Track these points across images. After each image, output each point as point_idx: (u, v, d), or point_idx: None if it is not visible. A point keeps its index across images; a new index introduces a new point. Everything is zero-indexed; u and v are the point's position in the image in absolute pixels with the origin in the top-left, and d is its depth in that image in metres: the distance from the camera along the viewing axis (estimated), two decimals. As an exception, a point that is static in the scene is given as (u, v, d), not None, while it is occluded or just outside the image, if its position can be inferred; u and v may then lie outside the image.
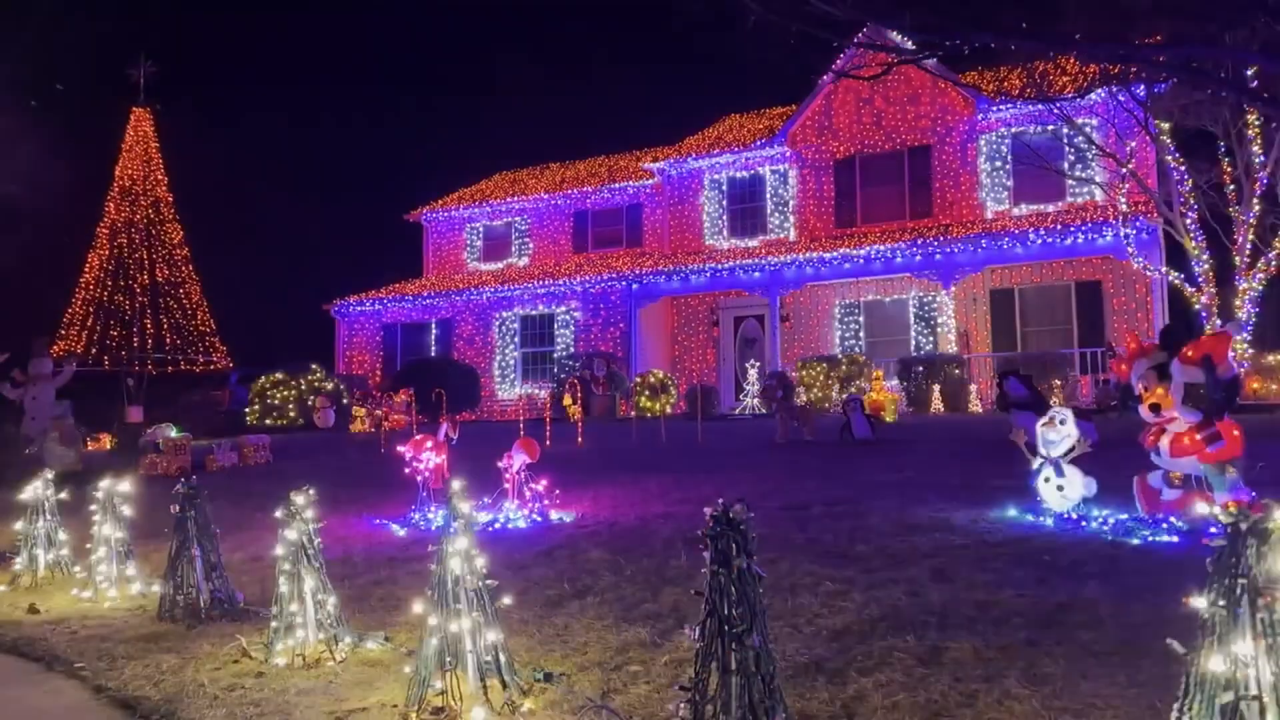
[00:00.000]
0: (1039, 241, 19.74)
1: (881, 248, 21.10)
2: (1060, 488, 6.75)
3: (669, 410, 21.41)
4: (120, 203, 34.21)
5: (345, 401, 22.65)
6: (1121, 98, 18.81)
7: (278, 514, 4.86)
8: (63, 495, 7.74)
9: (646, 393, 21.91)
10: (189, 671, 4.57)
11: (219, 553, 5.90)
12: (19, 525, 7.59)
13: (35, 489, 7.57)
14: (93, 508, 6.85)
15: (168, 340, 33.50)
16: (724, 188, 25.61)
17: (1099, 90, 16.91)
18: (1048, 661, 3.85)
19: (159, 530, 6.58)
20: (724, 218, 25.57)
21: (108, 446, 16.05)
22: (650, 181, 26.82)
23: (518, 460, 8.23)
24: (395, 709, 3.87)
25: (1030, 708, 3.41)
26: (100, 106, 34.25)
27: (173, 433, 15.04)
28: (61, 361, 17.83)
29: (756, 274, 22.48)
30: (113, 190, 34.33)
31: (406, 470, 8.79)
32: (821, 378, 20.26)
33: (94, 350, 32.47)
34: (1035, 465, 6.93)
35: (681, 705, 3.09)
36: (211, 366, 33.98)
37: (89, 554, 6.81)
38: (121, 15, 59.27)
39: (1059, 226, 19.85)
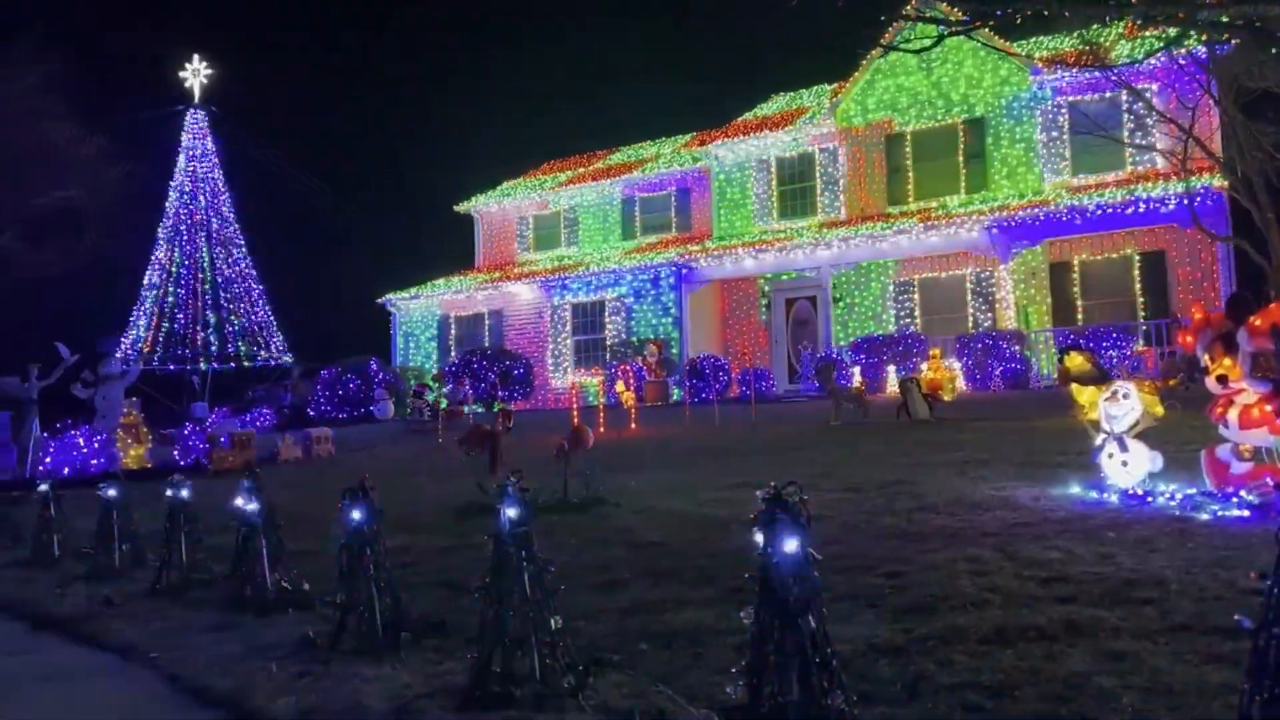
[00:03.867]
0: (1099, 212, 19.27)
1: (936, 223, 20.76)
2: (1124, 463, 6.60)
3: (722, 394, 21.35)
4: (180, 203, 35.02)
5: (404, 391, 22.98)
6: (1182, 61, 18.23)
7: (341, 504, 4.94)
8: (135, 490, 7.97)
9: (698, 377, 21.88)
10: (257, 660, 4.68)
11: (285, 543, 6.02)
12: (95, 520, 7.84)
13: (111, 486, 7.81)
14: (163, 501, 7.04)
15: (231, 337, 34.29)
16: (772, 168, 25.38)
17: (1159, 55, 16.41)
18: (1114, 638, 3.77)
19: (225, 524, 6.74)
20: (773, 198, 25.35)
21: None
22: (698, 165, 26.69)
23: (571, 447, 8.28)
24: (458, 694, 3.92)
25: (1097, 685, 3.34)
26: (158, 108, 34.93)
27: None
28: (129, 361, 18.32)
29: (807, 254, 22.27)
30: (173, 191, 35.14)
31: (464, 458, 8.90)
32: (877, 358, 20.03)
33: (159, 349, 33.35)
34: (1098, 441, 6.78)
35: (740, 687, 3.09)
36: (273, 362, 34.69)
37: (161, 546, 7.00)
38: (174, 17, 60.45)
39: (1120, 196, 19.34)
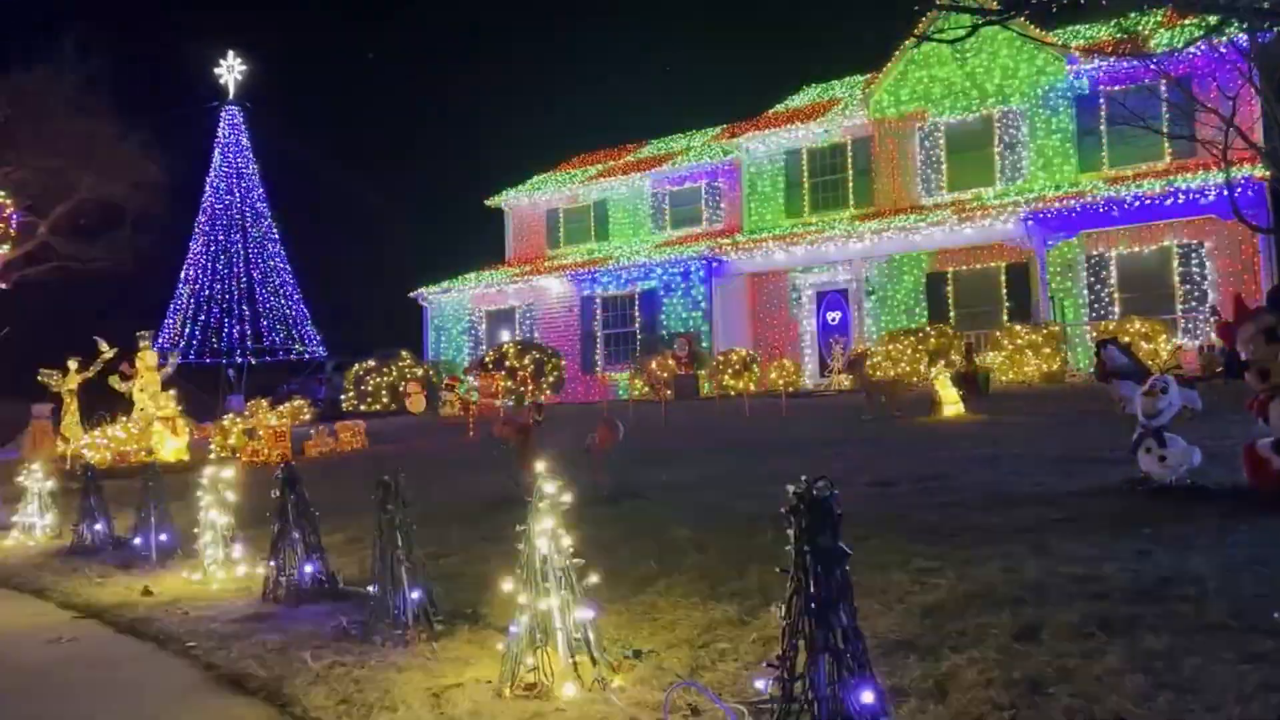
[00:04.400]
0: (1137, 203, 18.97)
1: (970, 215, 20.55)
2: (1162, 458, 6.50)
3: (752, 388, 21.29)
4: (216, 199, 35.46)
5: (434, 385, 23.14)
6: (1223, 50, 17.88)
7: (374, 497, 4.99)
8: (170, 482, 8.10)
9: (729, 371, 21.83)
10: (292, 650, 4.74)
11: (318, 535, 6.10)
12: (132, 512, 7.97)
13: (146, 477, 7.94)
14: (199, 494, 7.15)
15: (265, 331, 34.72)
16: (804, 160, 25.23)
17: (1199, 43, 16.10)
18: (1150, 637, 3.72)
19: (261, 515, 6.84)
20: (804, 191, 25.21)
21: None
22: (729, 157, 26.59)
23: (601, 441, 8.30)
24: (489, 685, 3.95)
25: (1132, 684, 3.30)
26: (193, 105, 35.42)
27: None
28: (166, 355, 18.62)
29: (839, 247, 22.12)
30: (209, 186, 35.59)
31: (495, 451, 8.94)
32: (909, 351, 19.88)
33: (196, 342, 33.83)
34: (1136, 435, 6.69)
35: (770, 682, 3.09)
36: (307, 355, 35.07)
37: (197, 538, 7.12)
38: (209, 13, 61.17)
39: (1158, 187, 19.03)
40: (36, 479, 10.08)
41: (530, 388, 22.81)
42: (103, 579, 7.26)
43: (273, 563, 6.02)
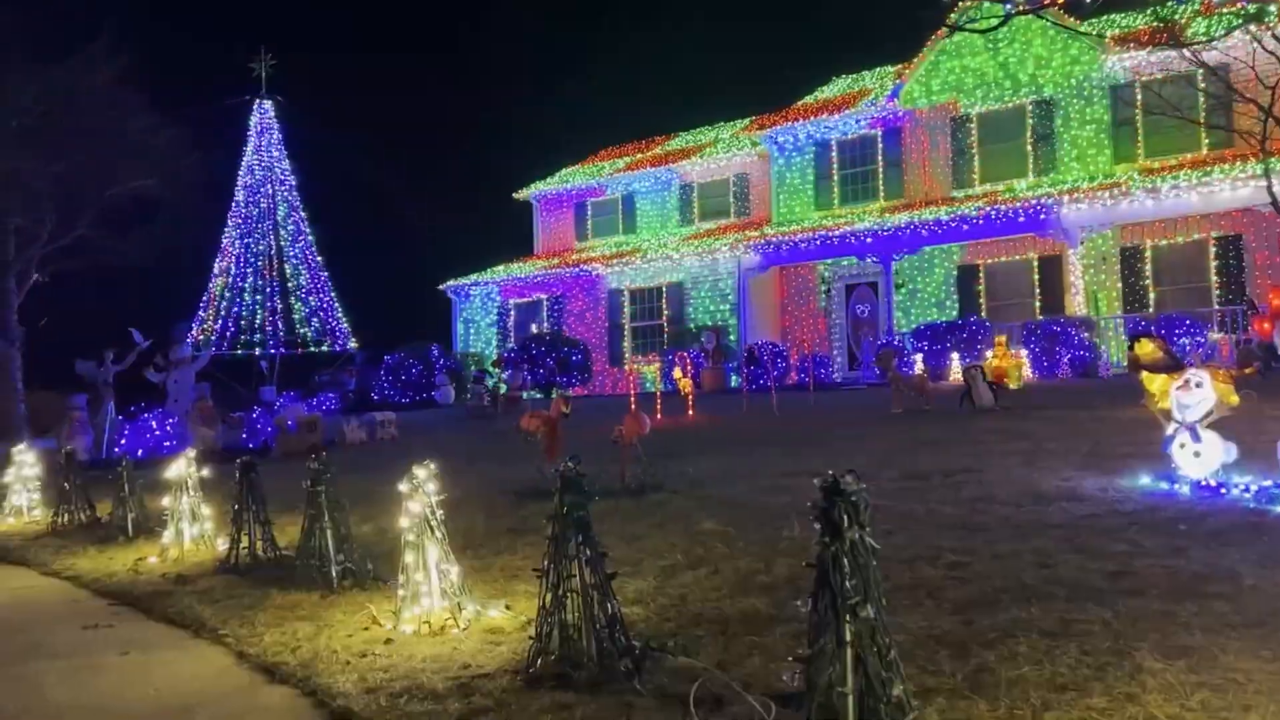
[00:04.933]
0: (1173, 194, 18.69)
1: (1002, 207, 20.34)
2: (1197, 453, 6.41)
3: (780, 381, 21.22)
4: (248, 192, 35.82)
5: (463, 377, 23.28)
6: (1262, 38, 17.54)
7: (402, 488, 5.03)
8: (204, 472, 8.19)
9: (756, 364, 21.76)
10: (323, 639, 4.79)
11: (349, 525, 6.15)
12: (165, 501, 8.07)
13: (179, 467, 8.03)
14: (232, 484, 7.23)
15: (297, 323, 35.05)
16: (833, 152, 25.06)
17: (1236, 32, 15.82)
18: (1184, 634, 3.67)
19: (294, 505, 6.91)
20: (834, 183, 25.04)
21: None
22: (757, 150, 26.47)
23: (628, 433, 8.29)
24: (516, 674, 3.97)
25: (1165, 682, 3.26)
26: (225, 98, 35.77)
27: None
28: (199, 346, 18.85)
29: (869, 239, 21.97)
30: (241, 179, 35.95)
31: (523, 443, 8.97)
32: (940, 345, 19.72)
33: (229, 335, 34.22)
34: (1170, 430, 6.60)
35: (797, 676, 3.07)
36: (337, 348, 35.37)
37: (229, 526, 7.19)
38: (242, 7, 61.72)
39: (1195, 178, 18.73)
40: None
41: (557, 380, 22.88)
42: (137, 567, 7.37)
43: (304, 553, 6.08)
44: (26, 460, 11.11)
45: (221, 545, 7.28)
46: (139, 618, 5.86)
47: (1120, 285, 20.93)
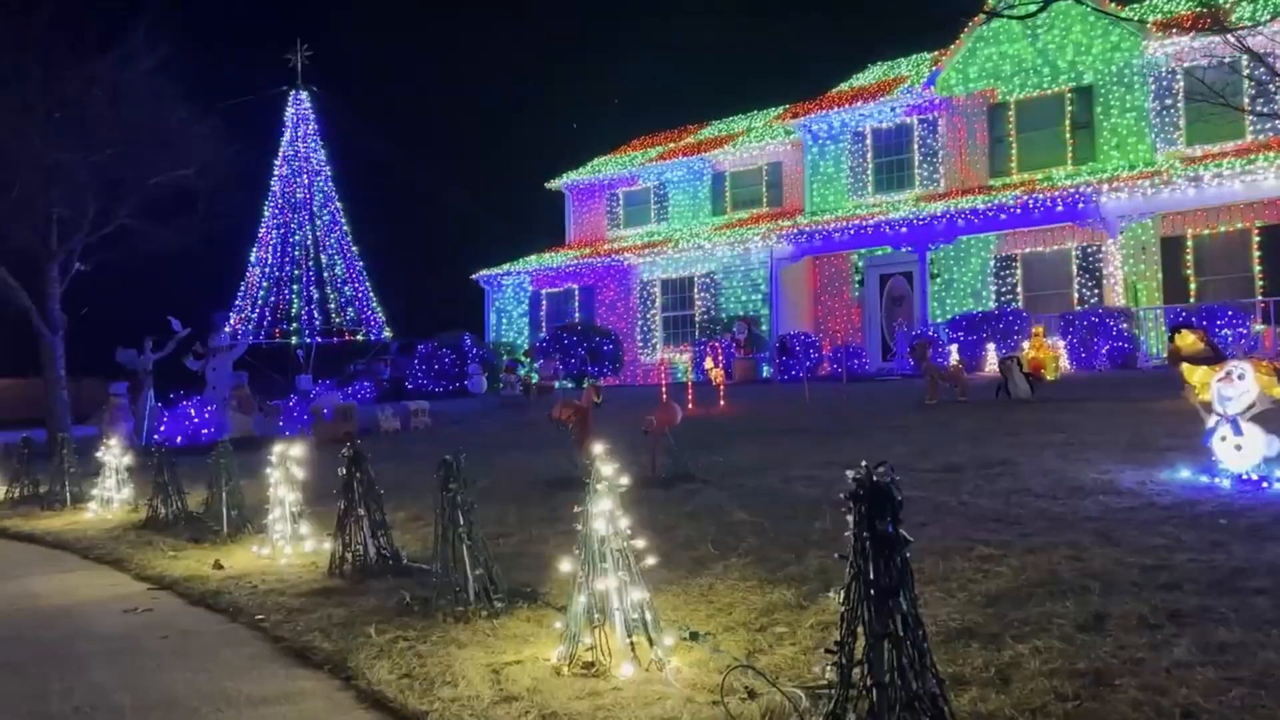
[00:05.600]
0: (1216, 183, 18.33)
1: (1040, 196, 20.06)
2: (1238, 447, 6.30)
3: (812, 372, 21.12)
4: (284, 182, 36.19)
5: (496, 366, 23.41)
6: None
7: (436, 477, 5.07)
8: (242, 459, 8.32)
9: (788, 354, 21.67)
10: (357, 625, 4.85)
11: (383, 512, 6.21)
12: (205, 488, 8.21)
13: (218, 454, 8.16)
14: (269, 471, 7.33)
15: (333, 313, 35.42)
16: (868, 140, 24.83)
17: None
18: (1222, 629, 3.62)
19: (329, 492, 7.00)
20: (868, 172, 24.82)
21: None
22: (790, 139, 26.29)
23: (660, 423, 8.30)
24: (548, 663, 4.00)
25: (1202, 677, 3.21)
26: (261, 89, 36.12)
27: None
28: (237, 335, 19.10)
29: (903, 228, 21.76)
30: (277, 170, 36.32)
31: (555, 433, 9.01)
32: (975, 336, 19.52)
33: (266, 324, 34.65)
34: (1211, 423, 6.49)
35: (828, 667, 3.07)
36: (372, 337, 35.69)
37: (266, 514, 7.30)
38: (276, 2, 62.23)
39: (1239, 166, 18.36)
40: (114, 455, 10.43)
41: (589, 370, 22.93)
42: (175, 552, 7.50)
43: (339, 539, 6.15)
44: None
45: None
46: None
47: (1160, 275, 20.57)
